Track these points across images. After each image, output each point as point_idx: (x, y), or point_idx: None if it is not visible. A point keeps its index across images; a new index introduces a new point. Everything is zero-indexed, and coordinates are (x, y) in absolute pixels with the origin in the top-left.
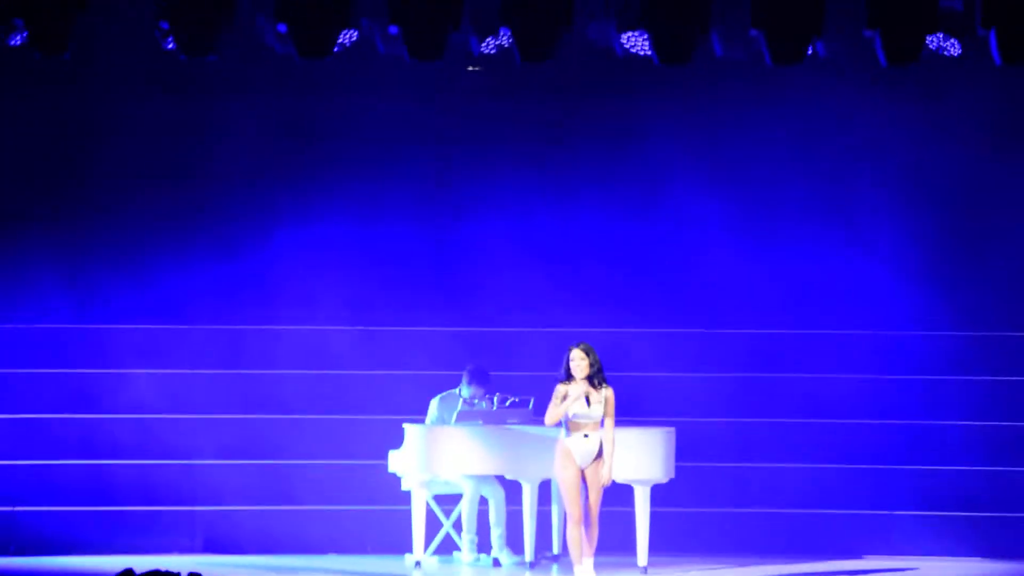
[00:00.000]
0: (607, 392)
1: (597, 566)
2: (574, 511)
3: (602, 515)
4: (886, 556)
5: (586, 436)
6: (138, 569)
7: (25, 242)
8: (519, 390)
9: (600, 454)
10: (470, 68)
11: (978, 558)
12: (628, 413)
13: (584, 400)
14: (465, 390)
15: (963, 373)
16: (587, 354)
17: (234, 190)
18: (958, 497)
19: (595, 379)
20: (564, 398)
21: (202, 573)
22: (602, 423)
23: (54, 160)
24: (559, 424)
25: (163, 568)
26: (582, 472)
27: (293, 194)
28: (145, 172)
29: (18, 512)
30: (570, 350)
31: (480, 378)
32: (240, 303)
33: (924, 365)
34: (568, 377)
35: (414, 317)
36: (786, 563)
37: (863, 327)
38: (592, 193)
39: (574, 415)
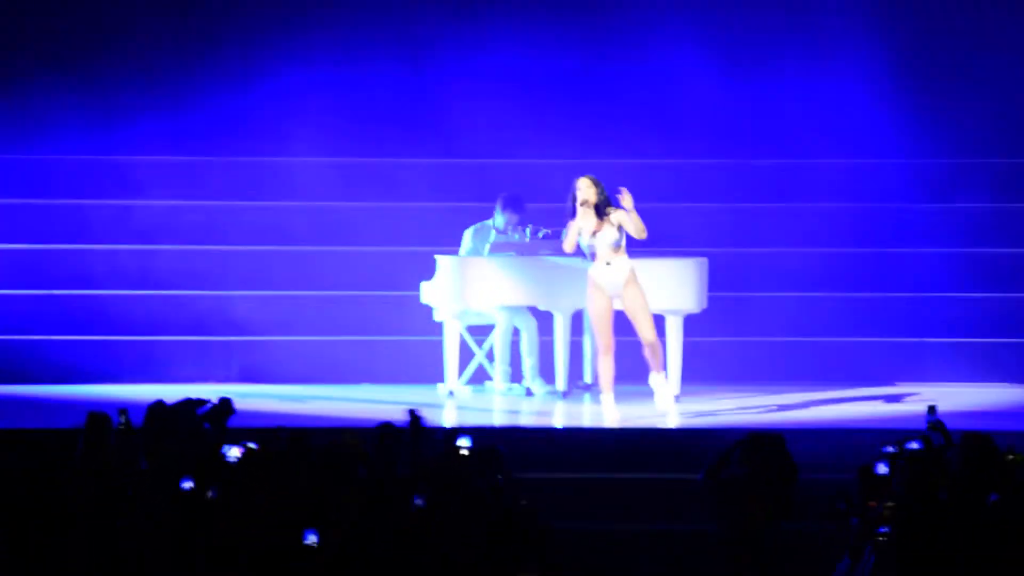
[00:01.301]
0: (618, 215)
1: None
2: (603, 340)
3: (635, 345)
4: (917, 383)
5: (608, 264)
6: (171, 397)
7: (26, 73)
8: (552, 222)
9: (629, 281)
10: None
11: (1008, 383)
12: (661, 243)
13: (591, 232)
14: (499, 219)
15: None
16: (594, 183)
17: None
18: (989, 324)
19: (603, 208)
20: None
21: (232, 399)
22: (625, 250)
23: None
24: (582, 255)
25: (195, 397)
26: (611, 302)
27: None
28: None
29: (54, 340)
30: (575, 182)
31: (514, 205)
32: (260, 135)
33: (959, 192)
34: (574, 212)
35: (443, 149)
36: (817, 390)
37: (900, 155)
38: (606, 22)
39: (589, 245)
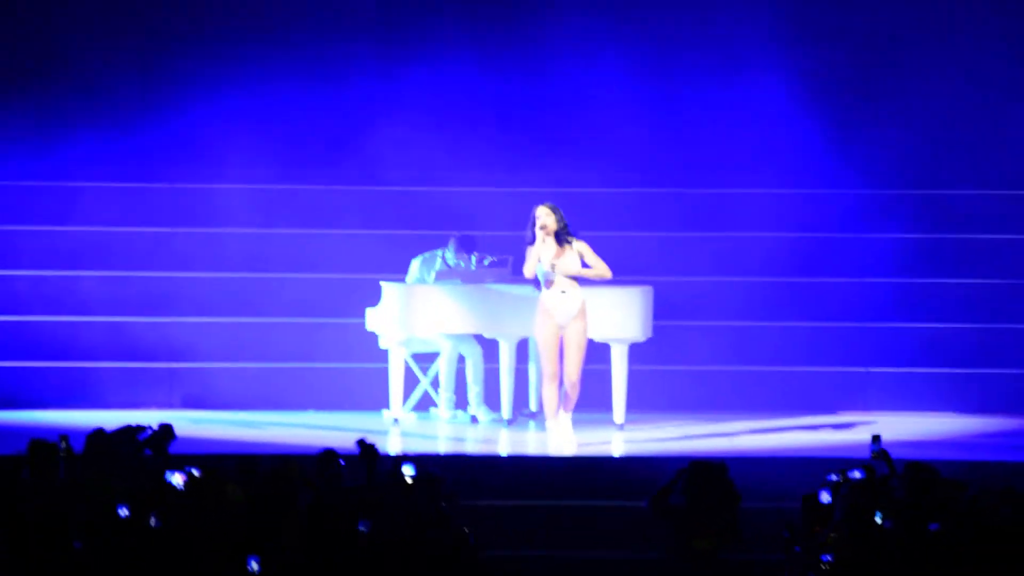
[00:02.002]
0: (579, 245)
1: (577, 423)
2: (549, 368)
3: (586, 373)
4: (859, 412)
5: (563, 292)
6: (112, 424)
7: None
8: (499, 250)
9: (579, 312)
10: None
11: (950, 412)
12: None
13: (551, 258)
14: (450, 256)
15: (931, 231)
16: (554, 211)
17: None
18: (931, 353)
19: (563, 236)
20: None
21: (173, 425)
22: (579, 279)
23: None
24: (536, 283)
25: (135, 423)
26: (560, 331)
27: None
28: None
29: None
30: (535, 209)
31: (467, 246)
32: (208, 161)
33: (892, 224)
34: (534, 238)
35: (392, 177)
36: (761, 418)
37: (843, 186)
38: (600, 49)
39: (547, 272)
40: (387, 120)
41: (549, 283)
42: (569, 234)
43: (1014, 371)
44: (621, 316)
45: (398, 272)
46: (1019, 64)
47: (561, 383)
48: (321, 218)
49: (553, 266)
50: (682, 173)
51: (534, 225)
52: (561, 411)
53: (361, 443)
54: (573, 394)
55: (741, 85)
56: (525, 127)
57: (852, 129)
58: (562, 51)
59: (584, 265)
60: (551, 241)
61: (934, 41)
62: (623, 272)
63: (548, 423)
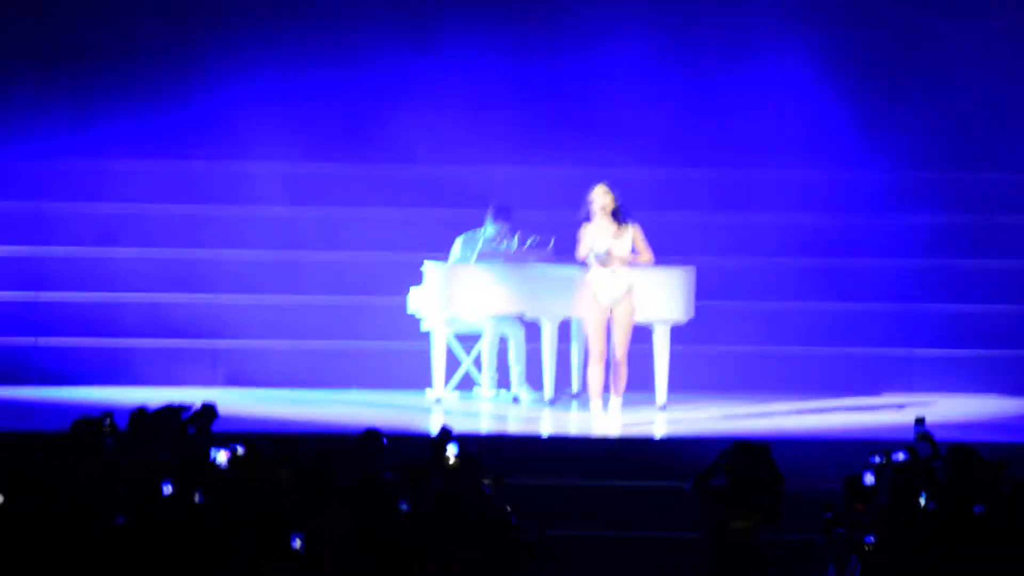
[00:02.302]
0: (632, 229)
1: (622, 404)
2: (596, 348)
3: (631, 354)
4: (905, 393)
5: (613, 273)
6: (157, 401)
7: None
8: (540, 230)
9: (627, 293)
10: None
11: (995, 394)
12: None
13: (610, 237)
14: (489, 228)
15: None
16: (609, 191)
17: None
18: (977, 335)
19: (618, 216)
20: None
21: (216, 403)
22: (631, 263)
23: None
24: (583, 263)
25: (179, 402)
26: (609, 311)
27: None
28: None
29: (39, 345)
30: (592, 189)
31: (504, 215)
32: (241, 140)
33: (943, 205)
34: (589, 217)
35: (434, 156)
36: (804, 400)
37: (880, 167)
38: (632, 35)
39: (604, 253)
40: (423, 102)
41: (602, 263)
42: (624, 215)
43: None
44: (664, 297)
45: (440, 251)
46: None
47: (608, 364)
48: (365, 196)
49: (608, 251)
50: (712, 153)
51: (590, 204)
52: (612, 395)
53: (444, 432)
54: (621, 375)
55: (767, 67)
56: (557, 109)
57: (887, 110)
58: (589, 34)
59: (633, 251)
60: (608, 221)
61: (962, 25)
62: (664, 252)
63: (592, 403)
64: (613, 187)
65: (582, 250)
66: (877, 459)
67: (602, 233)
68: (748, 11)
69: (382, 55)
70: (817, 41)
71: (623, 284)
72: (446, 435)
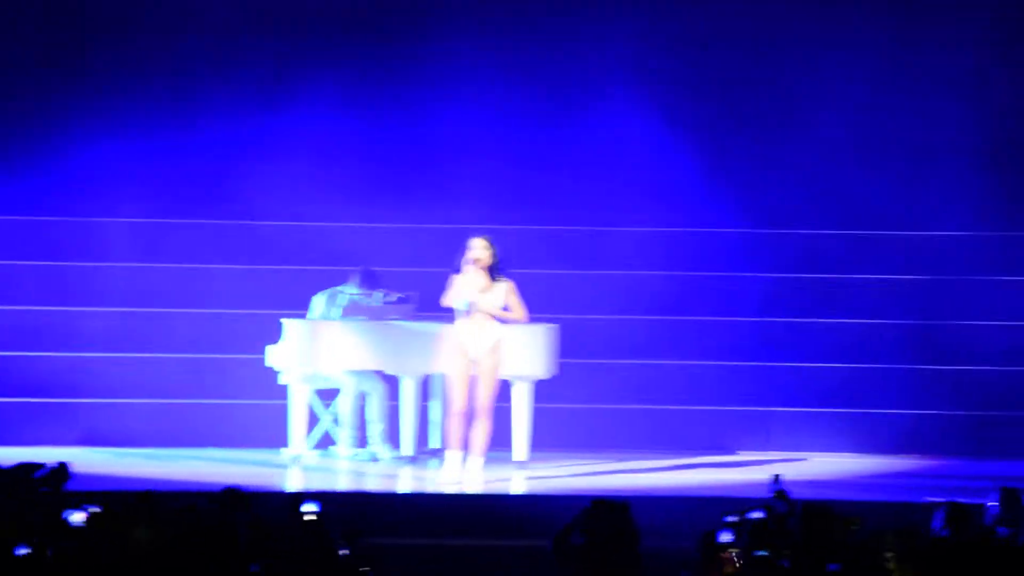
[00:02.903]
0: (506, 284)
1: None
2: (458, 401)
3: (501, 410)
4: (760, 451)
5: (479, 326)
6: (9, 460)
7: None
8: (403, 286)
9: (493, 347)
10: None
11: (850, 452)
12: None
13: (477, 291)
14: (353, 290)
15: (828, 271)
16: (490, 244)
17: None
18: (833, 393)
19: (494, 271)
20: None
21: (70, 463)
22: (499, 319)
23: None
24: (449, 313)
25: (34, 460)
26: (473, 364)
27: (176, 84)
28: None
29: None
30: (470, 240)
31: (371, 281)
32: (119, 194)
33: (797, 264)
34: (460, 269)
35: (294, 212)
36: (663, 458)
37: (735, 225)
38: (512, 87)
39: (468, 305)
40: (277, 158)
41: (467, 315)
42: (499, 271)
43: (906, 411)
44: (526, 353)
45: (293, 308)
46: (871, 110)
47: (470, 420)
48: (218, 253)
49: (472, 304)
50: (566, 211)
51: (466, 255)
52: (472, 452)
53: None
54: (482, 430)
55: (615, 122)
56: (405, 165)
57: (734, 169)
58: (436, 89)
59: (505, 308)
60: (482, 275)
61: (802, 86)
62: (530, 310)
63: (449, 456)
64: (496, 242)
65: (447, 298)
66: (733, 517)
67: (472, 286)
68: (602, 64)
69: (237, 111)
70: (661, 97)
71: (490, 337)
72: (300, 495)
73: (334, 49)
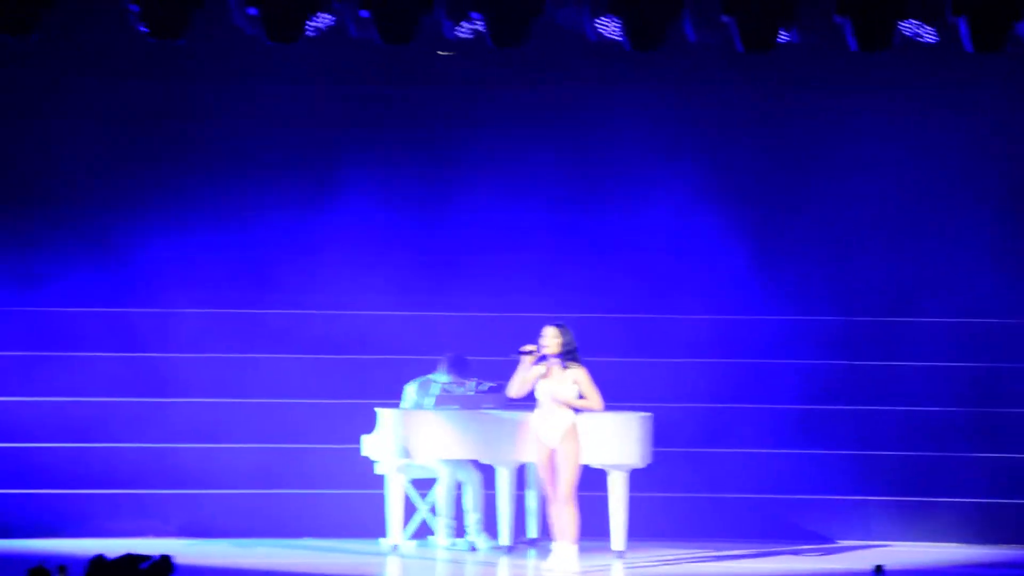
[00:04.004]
0: (576, 372)
1: (584, 549)
2: (548, 489)
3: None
4: (860, 540)
5: (549, 414)
6: (110, 553)
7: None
8: (496, 375)
9: (566, 434)
10: (441, 52)
11: (954, 543)
12: (605, 399)
13: (549, 375)
14: (443, 377)
15: (940, 359)
16: (560, 334)
17: (212, 174)
18: (935, 483)
19: (565, 359)
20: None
21: (173, 556)
22: (574, 409)
23: (25, 144)
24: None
25: (136, 551)
26: (551, 451)
27: (261, 179)
28: (113, 156)
29: None
30: (544, 328)
31: (459, 367)
32: (214, 286)
33: (894, 352)
34: (540, 357)
35: (388, 302)
36: (761, 547)
37: (834, 313)
38: (562, 179)
39: (540, 393)
40: (391, 248)
41: (538, 405)
42: (572, 359)
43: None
44: (619, 442)
45: (392, 398)
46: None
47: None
48: (316, 344)
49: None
50: (681, 301)
51: (539, 344)
52: (558, 539)
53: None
54: (565, 517)
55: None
56: (473, 256)
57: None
58: (480, 185)
59: (580, 396)
60: (552, 363)
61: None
62: (622, 398)
63: (553, 545)
64: (568, 330)
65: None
66: None
67: (548, 377)
68: (643, 160)
69: (290, 209)
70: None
71: (562, 425)
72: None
73: (388, 146)
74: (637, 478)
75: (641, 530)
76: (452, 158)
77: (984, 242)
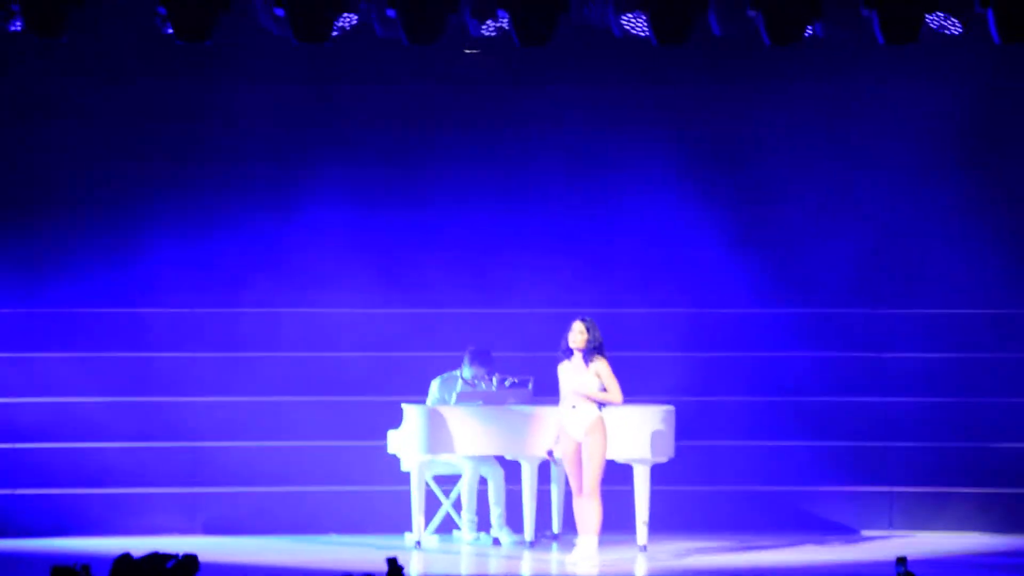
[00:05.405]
0: (598, 364)
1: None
2: (574, 483)
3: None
4: (884, 530)
5: (573, 407)
6: (136, 551)
7: (14, 227)
8: (519, 370)
9: (592, 427)
10: (467, 51)
11: (978, 532)
12: (627, 392)
13: (576, 374)
14: (467, 371)
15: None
16: (587, 329)
17: (229, 174)
18: (958, 472)
19: (589, 354)
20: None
21: (198, 555)
22: (596, 402)
23: (51, 145)
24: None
25: (161, 550)
26: (578, 446)
27: (289, 178)
28: (140, 155)
29: (14, 495)
30: (573, 323)
31: (482, 359)
32: (238, 284)
33: (915, 343)
34: (567, 351)
35: (414, 299)
36: (784, 538)
37: (858, 305)
38: (590, 175)
39: (564, 388)
40: (416, 246)
41: (563, 400)
42: (597, 352)
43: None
44: (643, 436)
45: (419, 394)
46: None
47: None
48: (342, 342)
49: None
50: (704, 294)
51: (567, 339)
52: (581, 533)
53: (391, 562)
54: (589, 511)
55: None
56: (521, 254)
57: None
58: (531, 188)
59: (602, 388)
60: (577, 357)
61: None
62: (644, 392)
63: (580, 539)
64: (595, 325)
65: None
66: None
67: (573, 371)
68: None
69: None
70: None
71: (587, 419)
72: (395, 568)
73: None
74: (662, 471)
75: (664, 524)
76: (474, 156)
77: None
